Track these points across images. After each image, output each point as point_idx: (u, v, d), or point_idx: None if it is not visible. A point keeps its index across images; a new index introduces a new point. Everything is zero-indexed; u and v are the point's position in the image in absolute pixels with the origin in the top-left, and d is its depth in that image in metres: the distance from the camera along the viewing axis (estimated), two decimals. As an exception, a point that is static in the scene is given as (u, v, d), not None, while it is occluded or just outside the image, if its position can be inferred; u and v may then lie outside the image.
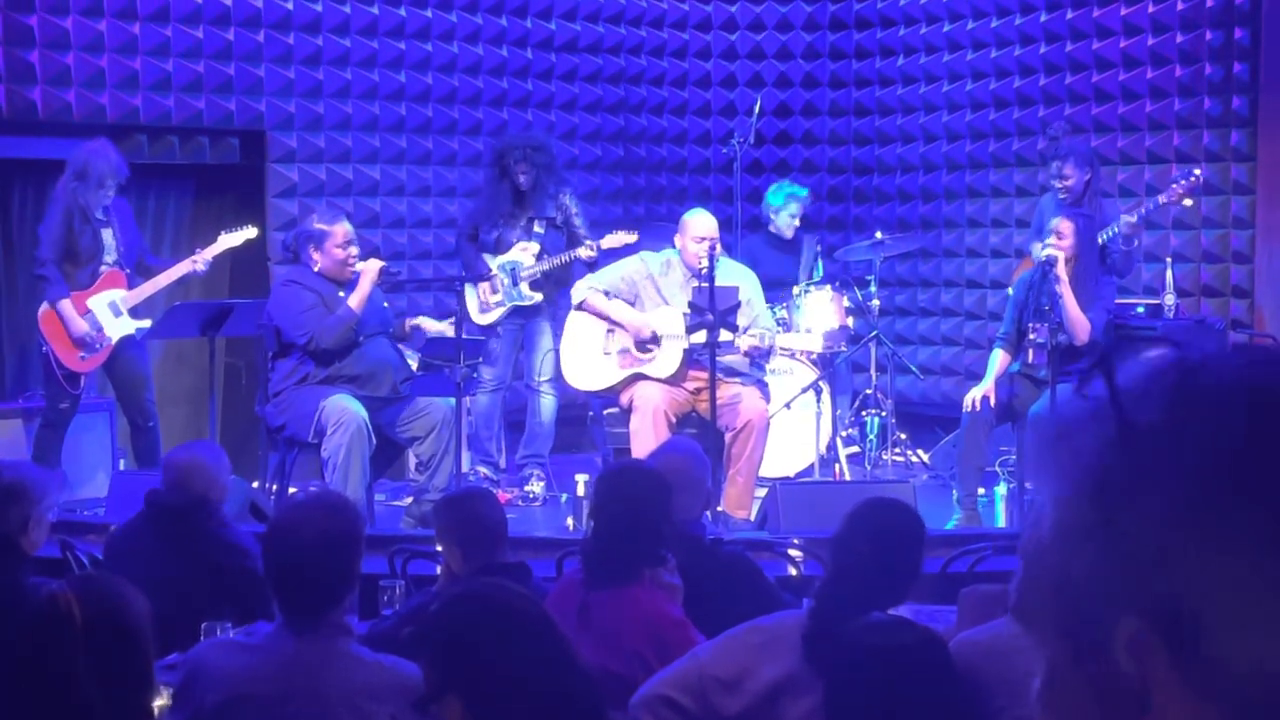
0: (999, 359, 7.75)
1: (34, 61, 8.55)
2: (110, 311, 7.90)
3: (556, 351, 8.34)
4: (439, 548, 4.53)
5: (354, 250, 7.51)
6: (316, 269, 7.48)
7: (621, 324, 7.77)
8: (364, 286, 7.39)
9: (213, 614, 4.35)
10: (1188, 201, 8.57)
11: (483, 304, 8.50)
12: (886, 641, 3.15)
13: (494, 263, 8.49)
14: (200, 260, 8.00)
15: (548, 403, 8.68)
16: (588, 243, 8.38)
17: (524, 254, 8.48)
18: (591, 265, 8.47)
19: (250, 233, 8.23)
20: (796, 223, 9.51)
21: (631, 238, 8.37)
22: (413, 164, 9.83)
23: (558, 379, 8.44)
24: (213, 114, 9.13)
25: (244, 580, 4.90)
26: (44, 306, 7.86)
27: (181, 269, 8.00)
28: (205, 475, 5.23)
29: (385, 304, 7.76)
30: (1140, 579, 0.92)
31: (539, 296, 8.50)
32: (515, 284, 8.46)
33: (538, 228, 8.52)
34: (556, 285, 8.52)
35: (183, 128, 9.13)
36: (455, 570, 4.42)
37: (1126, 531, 0.93)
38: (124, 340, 7.95)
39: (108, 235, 7.93)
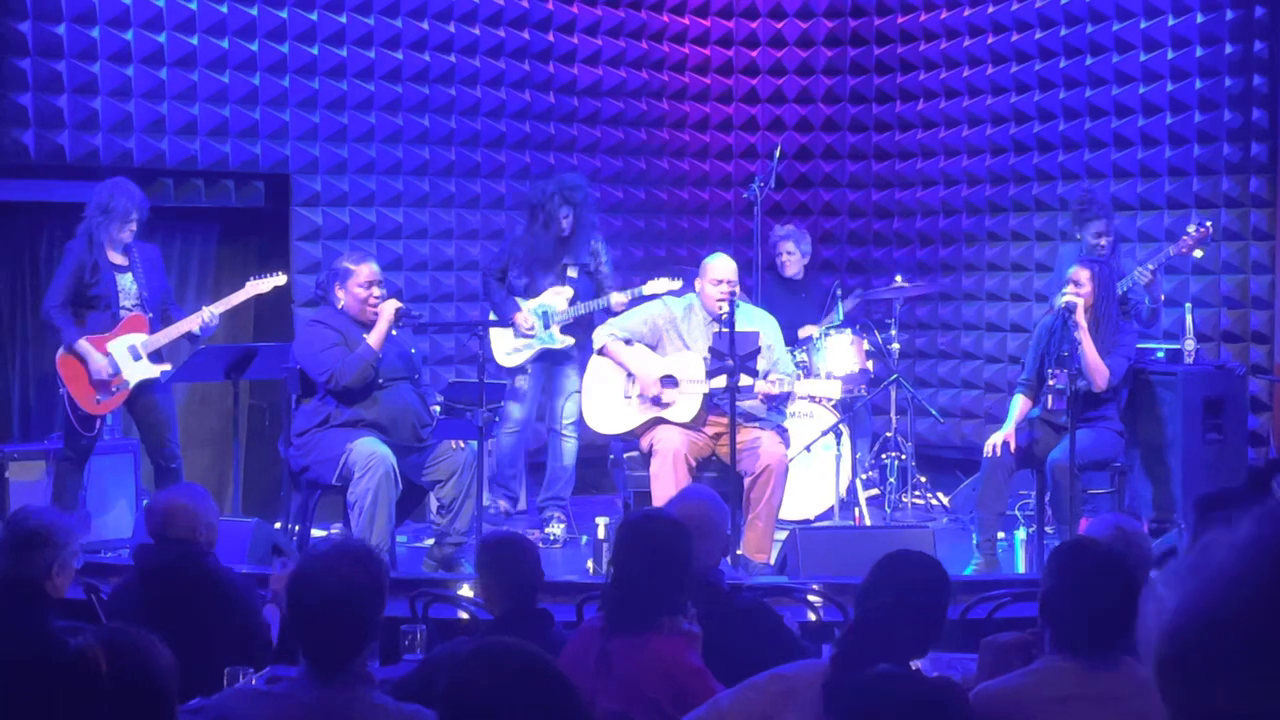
0: (1020, 404, 7.79)
1: (62, 106, 8.64)
2: (129, 355, 7.97)
3: (580, 394, 8.40)
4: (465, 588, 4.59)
5: (377, 291, 7.55)
6: (340, 306, 7.54)
7: (633, 373, 7.81)
8: (380, 326, 7.42)
9: (221, 662, 4.34)
10: (1198, 252, 8.61)
11: (514, 344, 8.54)
12: (905, 692, 3.16)
13: (526, 306, 8.54)
14: (209, 315, 8.04)
15: (569, 446, 8.73)
16: (630, 290, 8.40)
17: (558, 298, 8.54)
18: (610, 310, 8.51)
19: (279, 279, 8.28)
20: (795, 257, 9.55)
21: (676, 284, 8.30)
22: (436, 207, 9.90)
23: (580, 422, 8.48)
24: (238, 158, 9.21)
25: (241, 631, 4.92)
26: (61, 351, 7.95)
27: (192, 322, 8.04)
28: (188, 517, 5.12)
29: (413, 350, 7.77)
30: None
31: (570, 341, 8.56)
32: (547, 327, 8.50)
33: (571, 272, 8.58)
34: (586, 330, 8.54)
35: (208, 172, 9.21)
36: (487, 608, 4.55)
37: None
38: (147, 382, 8.01)
39: (126, 280, 8.00)
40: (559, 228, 8.57)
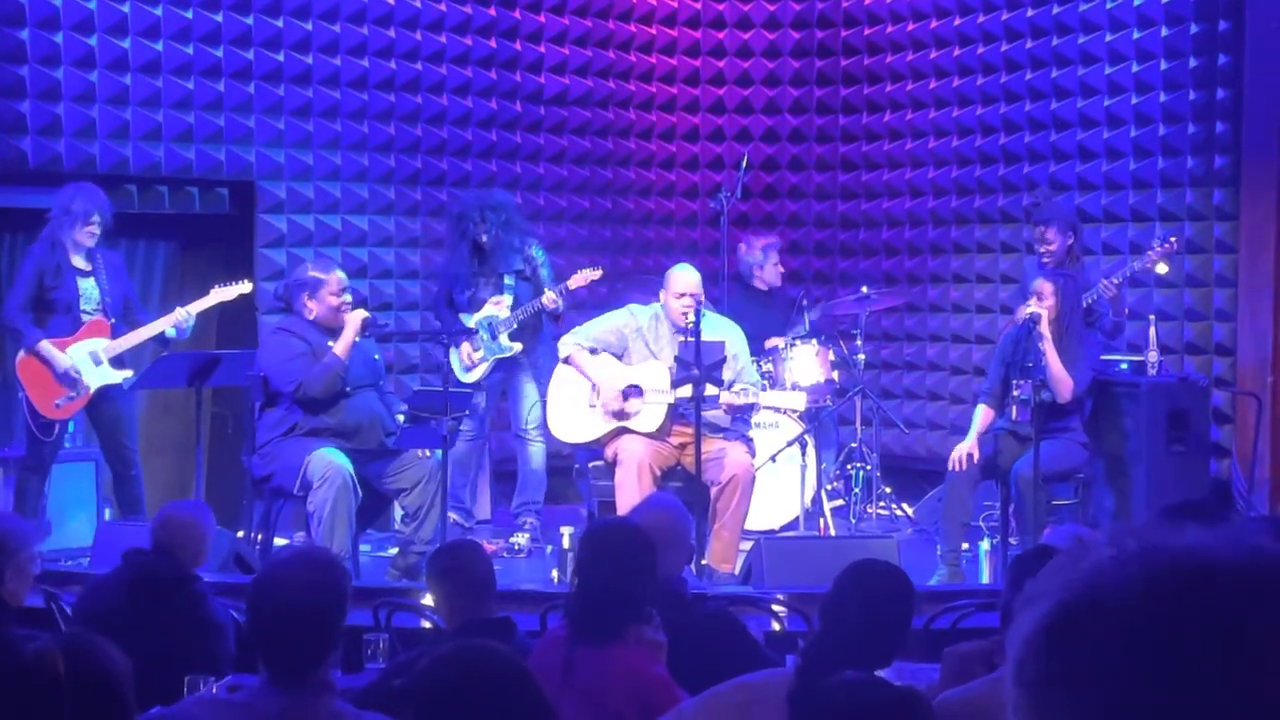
0: (982, 414, 7.80)
1: (25, 112, 8.59)
2: (90, 360, 7.91)
3: (543, 400, 8.40)
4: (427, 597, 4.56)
5: (348, 298, 7.58)
6: (311, 317, 7.53)
7: (596, 384, 7.80)
8: (347, 335, 7.43)
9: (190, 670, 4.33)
10: (1162, 268, 8.64)
11: (466, 364, 8.55)
12: (869, 700, 3.16)
13: (471, 321, 8.56)
14: (184, 315, 7.99)
15: (536, 450, 8.73)
16: (548, 292, 8.42)
17: (498, 308, 8.57)
18: (556, 316, 8.52)
19: (244, 288, 8.26)
20: (781, 269, 9.59)
21: (596, 274, 8.46)
22: (400, 215, 9.87)
23: (544, 426, 8.48)
24: (202, 164, 9.17)
25: (216, 652, 4.92)
26: (20, 354, 7.89)
27: (165, 323, 8.01)
28: (195, 537, 5.23)
29: (376, 356, 7.79)
30: None
31: (518, 347, 8.56)
32: (494, 338, 8.51)
33: (508, 280, 8.62)
34: (533, 334, 8.59)
35: (172, 178, 9.17)
36: (444, 620, 4.49)
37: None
38: (107, 388, 7.95)
39: (88, 285, 7.95)
40: (476, 242, 8.61)
